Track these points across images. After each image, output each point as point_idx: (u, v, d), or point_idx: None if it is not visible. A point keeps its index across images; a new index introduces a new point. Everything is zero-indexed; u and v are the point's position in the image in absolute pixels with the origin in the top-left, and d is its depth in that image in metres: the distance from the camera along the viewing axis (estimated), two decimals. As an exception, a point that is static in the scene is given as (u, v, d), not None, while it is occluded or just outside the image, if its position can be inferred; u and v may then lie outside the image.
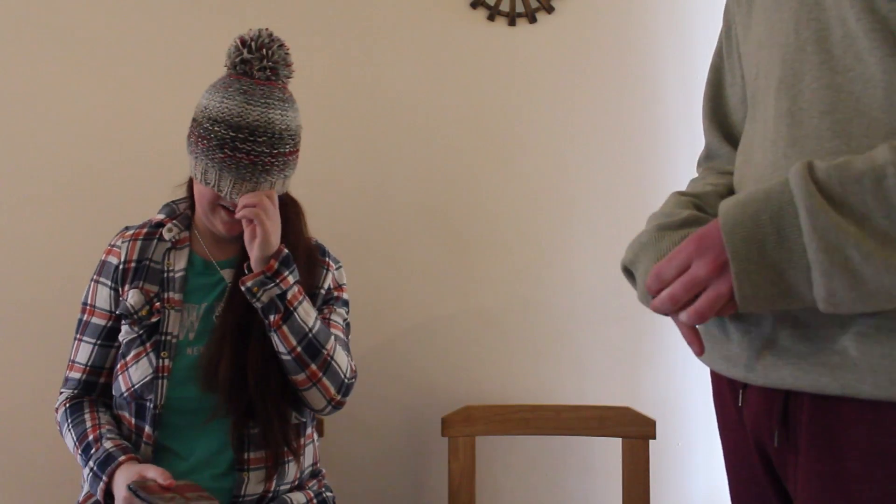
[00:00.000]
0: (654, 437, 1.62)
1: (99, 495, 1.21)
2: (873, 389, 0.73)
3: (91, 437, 1.26)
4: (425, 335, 1.79)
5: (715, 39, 1.09)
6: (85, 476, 1.25)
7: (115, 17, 1.69)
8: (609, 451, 1.71)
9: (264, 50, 1.25)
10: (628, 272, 0.94)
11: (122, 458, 1.21)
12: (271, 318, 1.23)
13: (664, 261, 0.81)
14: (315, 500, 1.35)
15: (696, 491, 1.92)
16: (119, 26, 1.69)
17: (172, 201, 1.40)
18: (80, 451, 1.26)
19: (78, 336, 1.35)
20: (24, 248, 1.64)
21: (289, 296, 1.24)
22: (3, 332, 1.63)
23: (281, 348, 1.25)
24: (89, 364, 1.32)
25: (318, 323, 1.28)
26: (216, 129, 1.23)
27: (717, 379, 0.97)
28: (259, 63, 1.25)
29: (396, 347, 1.78)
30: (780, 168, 0.83)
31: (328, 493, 1.40)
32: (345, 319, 1.42)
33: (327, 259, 1.41)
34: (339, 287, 1.42)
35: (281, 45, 1.28)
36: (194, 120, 1.28)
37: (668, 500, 1.83)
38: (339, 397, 1.30)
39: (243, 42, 1.26)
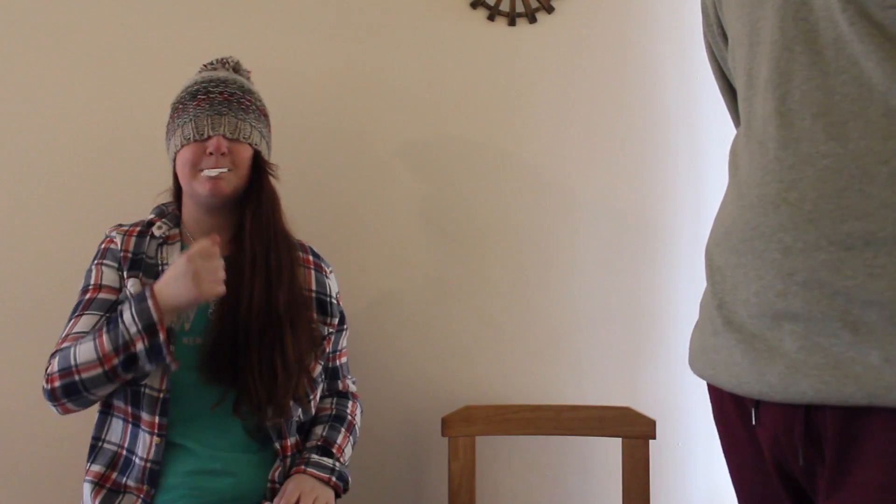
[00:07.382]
0: (654, 437, 1.62)
1: (155, 309, 1.14)
2: None
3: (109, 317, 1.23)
4: (425, 335, 1.79)
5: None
6: (123, 319, 1.16)
7: (113, 18, 1.68)
8: (609, 451, 1.71)
9: (224, 60, 1.42)
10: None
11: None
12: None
13: None
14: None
15: (696, 491, 1.92)
16: (117, 28, 1.68)
17: (162, 204, 1.42)
18: (105, 331, 1.17)
19: (79, 312, 1.27)
20: (24, 249, 1.64)
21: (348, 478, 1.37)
22: (3, 332, 1.63)
23: None
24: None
25: (347, 443, 1.42)
26: (190, 89, 1.33)
27: (717, 394, 0.94)
28: (222, 63, 1.41)
29: (396, 348, 1.77)
30: (771, 172, 0.80)
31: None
32: (347, 338, 1.50)
33: (322, 264, 1.45)
34: (337, 296, 1.47)
35: (238, 62, 1.44)
36: (172, 108, 1.36)
37: (668, 500, 1.82)
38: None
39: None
